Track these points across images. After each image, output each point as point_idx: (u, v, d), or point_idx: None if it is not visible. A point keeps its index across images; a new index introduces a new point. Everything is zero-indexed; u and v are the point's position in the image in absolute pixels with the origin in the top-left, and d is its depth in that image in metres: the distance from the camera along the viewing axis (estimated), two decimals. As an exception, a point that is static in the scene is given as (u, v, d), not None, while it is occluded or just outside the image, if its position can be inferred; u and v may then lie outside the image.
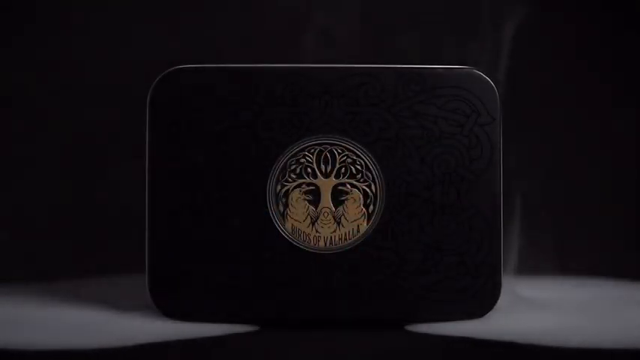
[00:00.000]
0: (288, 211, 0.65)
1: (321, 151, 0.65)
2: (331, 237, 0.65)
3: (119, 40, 0.86)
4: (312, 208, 0.65)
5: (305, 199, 0.65)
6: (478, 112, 0.65)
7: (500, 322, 0.64)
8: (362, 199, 0.65)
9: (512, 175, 0.78)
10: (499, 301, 0.65)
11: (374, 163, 0.65)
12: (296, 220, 0.65)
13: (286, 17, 0.87)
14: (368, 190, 0.65)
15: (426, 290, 0.64)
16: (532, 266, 0.83)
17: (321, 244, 0.65)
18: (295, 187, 0.65)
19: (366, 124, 0.64)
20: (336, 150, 0.65)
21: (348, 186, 0.65)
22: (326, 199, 0.65)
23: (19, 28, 0.86)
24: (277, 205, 0.65)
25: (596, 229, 0.86)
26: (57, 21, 0.87)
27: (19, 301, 0.70)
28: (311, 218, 0.65)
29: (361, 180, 0.65)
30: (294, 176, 0.65)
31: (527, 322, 0.65)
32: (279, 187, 0.65)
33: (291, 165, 0.65)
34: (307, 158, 0.65)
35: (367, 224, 0.65)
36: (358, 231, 0.65)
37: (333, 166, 0.65)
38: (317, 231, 0.65)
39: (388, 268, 0.64)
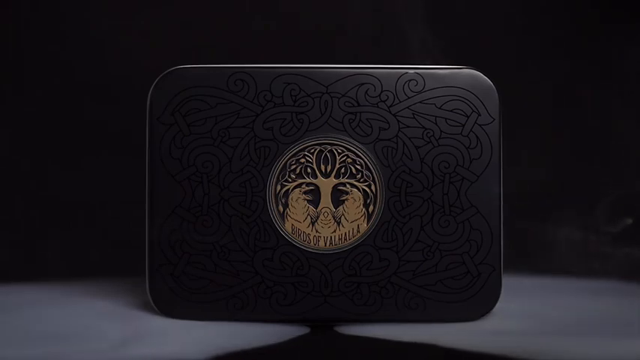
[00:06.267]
0: (288, 211, 0.65)
1: (321, 151, 0.65)
2: (331, 237, 0.65)
3: (120, 39, 0.86)
4: (312, 208, 0.65)
5: (305, 199, 0.65)
6: (478, 112, 0.65)
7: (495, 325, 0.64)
8: (362, 199, 0.65)
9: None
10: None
11: (374, 163, 0.65)
12: (296, 220, 0.65)
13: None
14: (368, 190, 0.65)
15: (426, 290, 0.64)
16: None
17: (321, 244, 0.65)
18: (295, 187, 0.65)
19: (366, 124, 0.64)
20: (336, 150, 0.65)
21: (348, 186, 0.65)
22: (326, 199, 0.65)
23: (19, 27, 0.86)
24: (277, 205, 0.65)
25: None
26: (56, 20, 0.87)
27: (19, 302, 0.70)
28: (311, 218, 0.65)
29: (361, 180, 0.65)
30: (294, 176, 0.65)
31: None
32: (279, 187, 0.65)
33: (291, 165, 0.65)
34: (307, 158, 0.65)
35: (367, 224, 0.65)
36: (358, 231, 0.65)
37: (333, 166, 0.65)
38: (317, 231, 0.65)
39: (388, 268, 0.64)
